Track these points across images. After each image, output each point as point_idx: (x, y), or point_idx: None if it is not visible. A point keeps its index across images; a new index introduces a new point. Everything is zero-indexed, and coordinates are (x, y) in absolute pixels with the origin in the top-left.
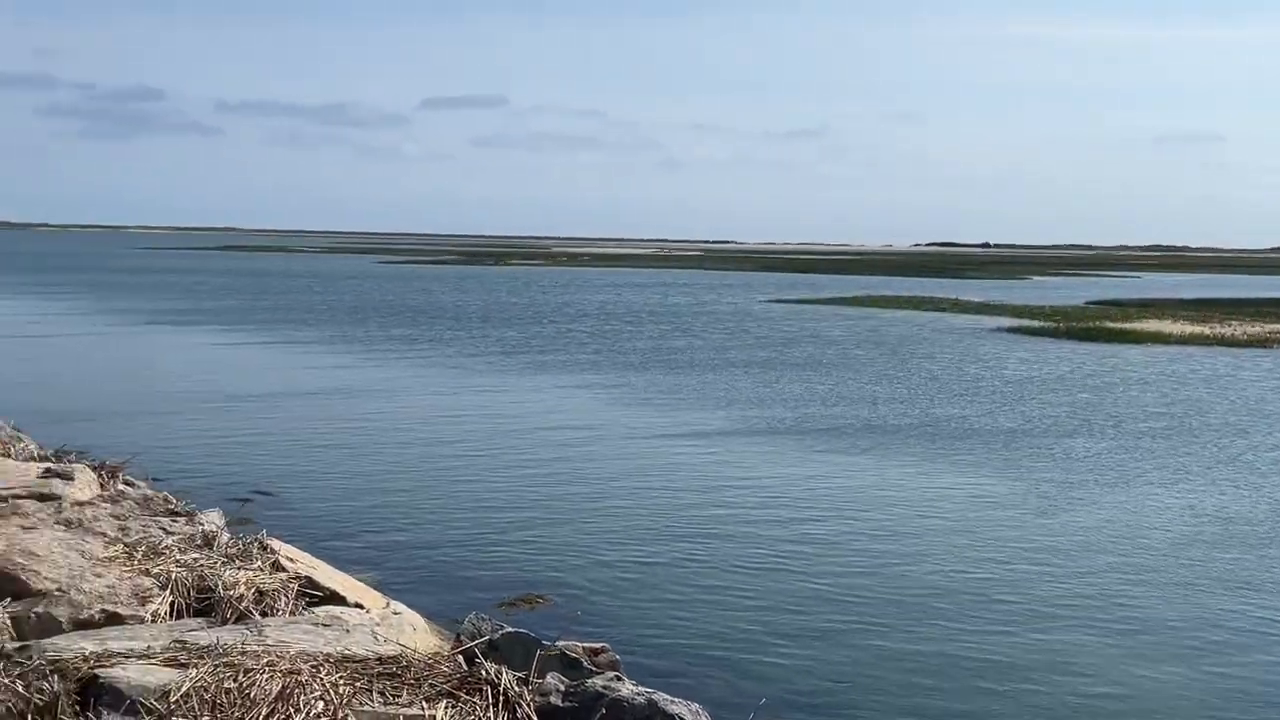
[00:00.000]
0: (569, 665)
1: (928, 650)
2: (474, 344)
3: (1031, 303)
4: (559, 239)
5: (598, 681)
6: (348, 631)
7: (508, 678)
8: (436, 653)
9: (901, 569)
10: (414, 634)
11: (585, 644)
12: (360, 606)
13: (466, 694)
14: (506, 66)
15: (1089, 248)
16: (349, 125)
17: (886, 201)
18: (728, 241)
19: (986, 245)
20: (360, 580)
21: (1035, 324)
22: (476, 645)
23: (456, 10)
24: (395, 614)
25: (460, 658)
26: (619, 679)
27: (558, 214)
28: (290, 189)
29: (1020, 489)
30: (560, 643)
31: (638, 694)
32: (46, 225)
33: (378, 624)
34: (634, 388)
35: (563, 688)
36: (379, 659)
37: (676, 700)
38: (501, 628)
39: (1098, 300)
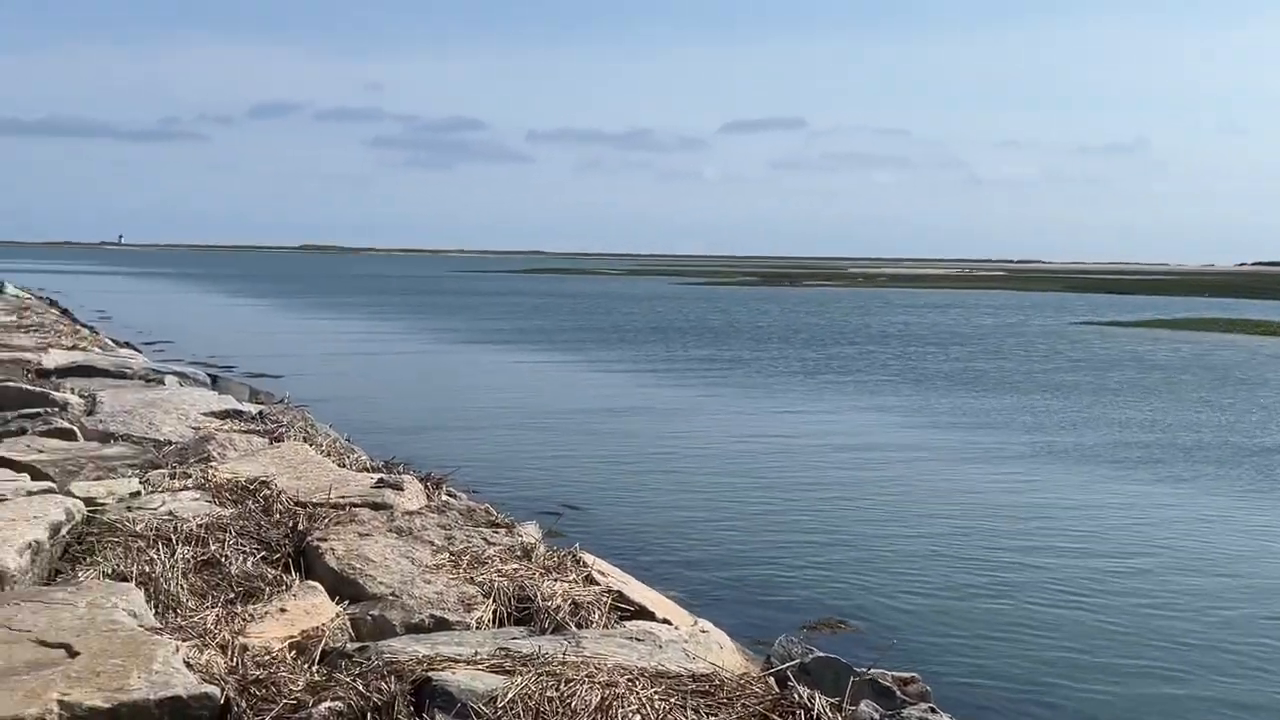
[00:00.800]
0: (881, 694)
1: (1267, 705)
2: (772, 364)
3: None
4: (856, 259)
5: (913, 712)
6: (660, 647)
7: (821, 702)
8: (746, 673)
9: (1232, 611)
10: (721, 653)
11: (894, 673)
12: (668, 623)
13: (779, 716)
14: (805, 88)
15: None
16: (650, 150)
17: (1207, 218)
18: (1034, 261)
19: None
20: (665, 597)
21: None
22: (788, 668)
23: (755, 35)
24: (703, 632)
25: (772, 679)
26: (934, 711)
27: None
28: (593, 213)
29: None
30: (872, 670)
31: None
32: (373, 249)
33: (687, 641)
34: (937, 410)
35: (877, 716)
36: (692, 676)
37: None
38: (812, 651)
39: None
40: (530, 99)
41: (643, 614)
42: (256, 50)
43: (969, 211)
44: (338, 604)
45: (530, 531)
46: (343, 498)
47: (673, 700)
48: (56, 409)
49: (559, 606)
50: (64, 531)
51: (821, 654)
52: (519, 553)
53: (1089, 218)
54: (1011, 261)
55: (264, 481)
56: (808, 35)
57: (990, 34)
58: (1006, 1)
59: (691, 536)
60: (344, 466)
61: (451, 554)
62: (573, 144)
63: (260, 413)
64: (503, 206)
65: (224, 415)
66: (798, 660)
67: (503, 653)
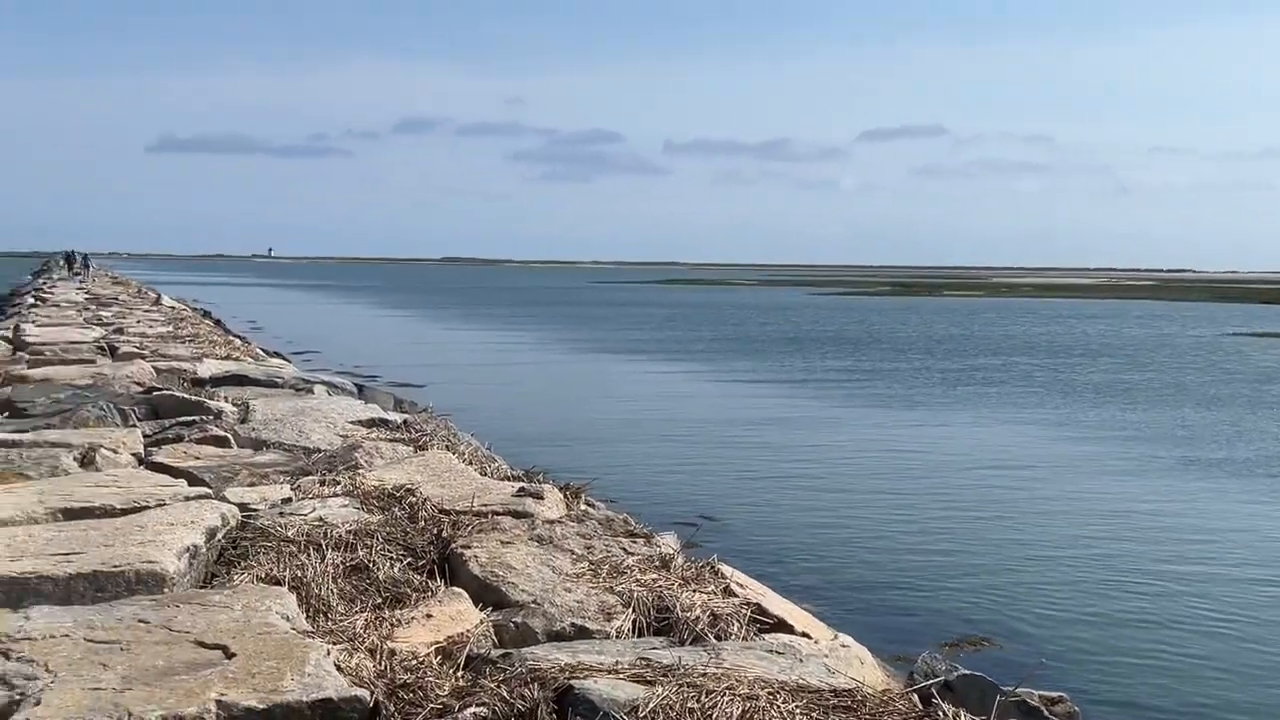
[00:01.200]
0: (1028, 713)
1: None
2: (913, 376)
3: None
4: (998, 269)
5: None
6: (800, 661)
7: None
8: (888, 689)
9: None
10: (862, 668)
11: (1041, 692)
12: (808, 636)
13: None
14: (946, 95)
15: None
16: (787, 160)
17: None
18: (1184, 270)
19: None
20: (803, 610)
21: None
22: (932, 685)
23: (893, 43)
24: (843, 646)
25: (915, 696)
26: None
27: (997, 243)
28: (729, 223)
29: None
30: (1019, 689)
31: None
32: (511, 261)
33: (827, 655)
34: (1085, 424)
35: None
36: (834, 691)
37: None
38: (956, 669)
39: None
40: (668, 111)
41: (782, 627)
42: (403, 67)
43: (1116, 219)
44: (481, 610)
45: (668, 542)
46: (485, 506)
47: (814, 715)
48: (211, 417)
49: (698, 617)
50: (219, 536)
51: (966, 671)
52: (657, 563)
53: (1242, 225)
54: (1161, 271)
55: (409, 489)
56: (947, 41)
57: (1137, 38)
58: (1152, 5)
59: (829, 550)
60: (485, 475)
61: (591, 563)
62: (709, 155)
63: (405, 421)
64: (639, 218)
65: (370, 424)
66: (942, 677)
67: (643, 662)
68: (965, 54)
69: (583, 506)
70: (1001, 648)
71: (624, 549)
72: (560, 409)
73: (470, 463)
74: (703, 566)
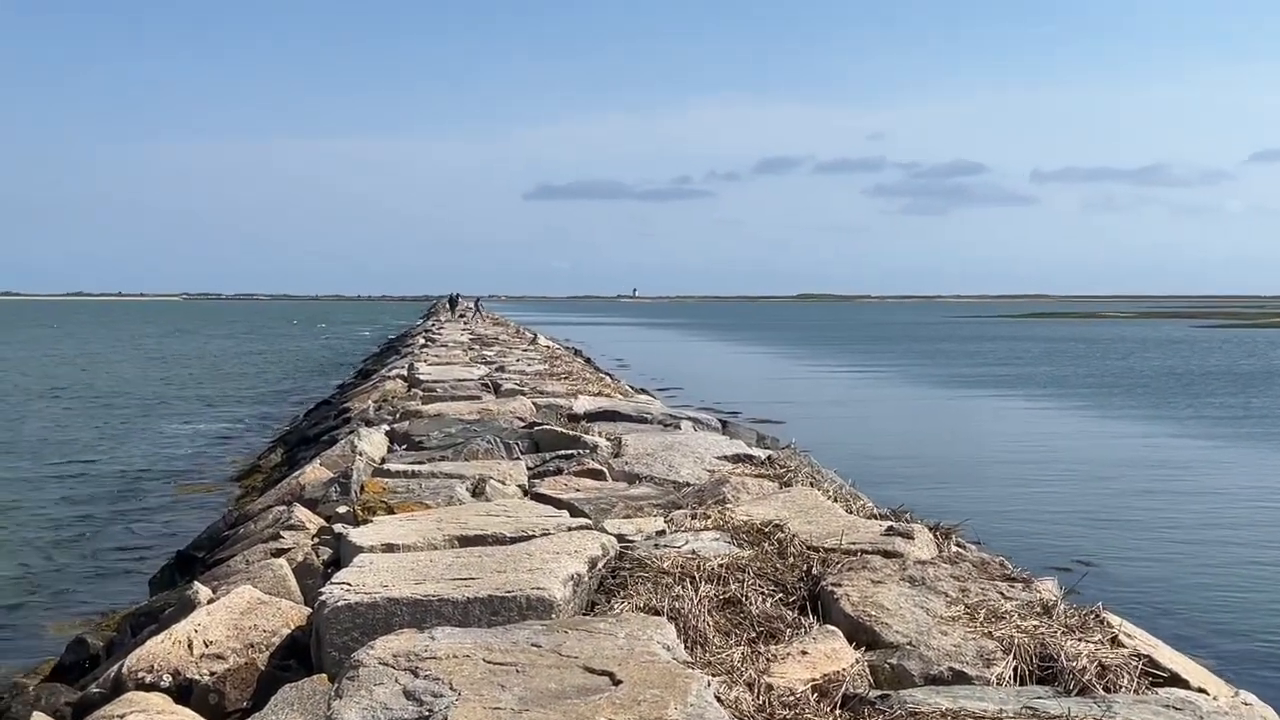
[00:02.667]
0: None
1: None
2: None
3: None
4: None
5: None
6: (1201, 718)
7: None
8: None
9: None
10: None
11: None
12: (1204, 692)
13: None
14: None
15: None
16: (1165, 185)
17: None
18: None
19: None
20: (1198, 663)
21: None
22: None
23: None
24: (1245, 704)
25: None
26: None
27: None
28: (1101, 253)
29: None
30: None
31: None
32: (867, 297)
33: (1228, 713)
34: None
35: None
36: None
37: None
38: None
39: None
40: (1034, 138)
41: (1175, 681)
42: (764, 109)
43: None
44: (855, 650)
45: (1048, 587)
46: (853, 544)
47: None
48: (587, 451)
49: (1084, 667)
50: (599, 565)
51: None
52: (1038, 609)
53: None
54: None
55: (777, 525)
56: None
57: None
58: None
59: (1221, 600)
60: (851, 512)
61: (967, 606)
62: (1079, 182)
63: (769, 457)
64: (1003, 250)
65: (736, 459)
66: None
67: (1029, 711)
68: None
69: (954, 548)
70: None
71: (1001, 593)
72: (924, 446)
73: (835, 499)
74: (1087, 614)
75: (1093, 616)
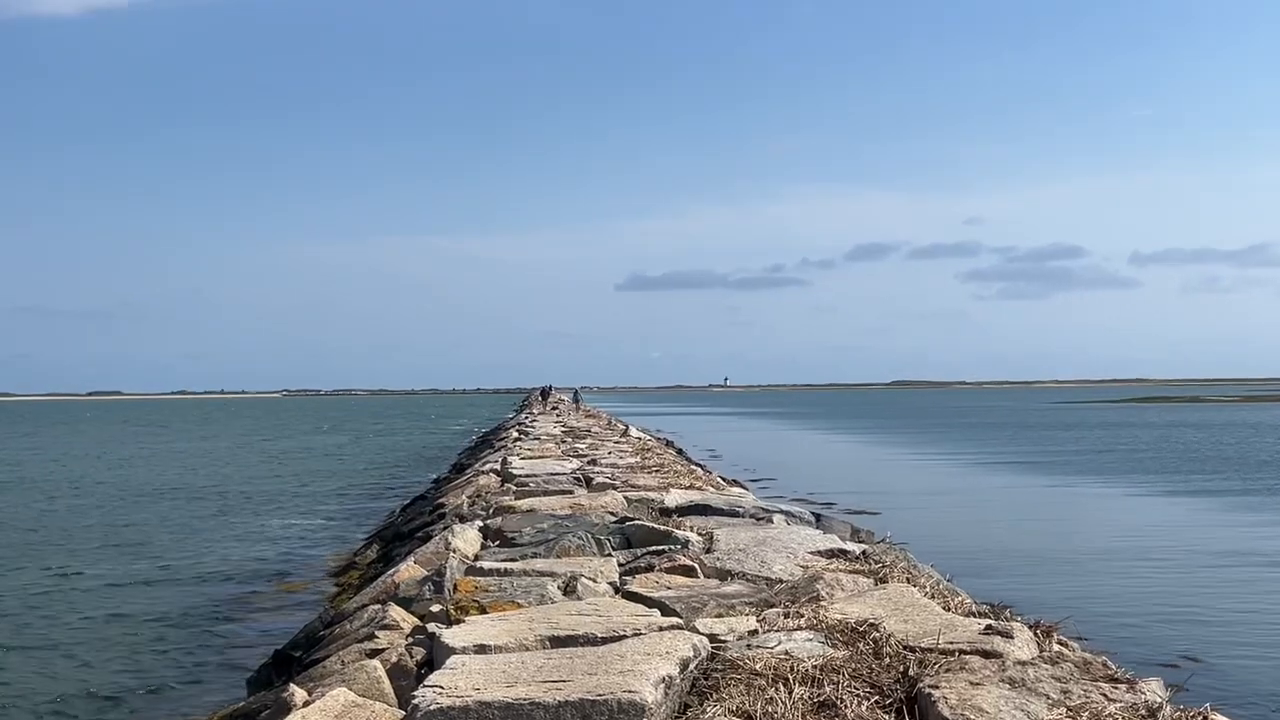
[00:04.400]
0: None
1: None
2: None
3: None
4: None
5: None
6: None
7: None
8: None
9: None
10: None
11: None
12: None
13: None
14: None
15: None
16: (1271, 265)
17: None
18: None
19: None
20: None
21: None
22: None
23: None
24: None
25: None
26: None
27: None
28: (1204, 336)
29: None
30: None
31: None
32: (963, 383)
33: None
34: None
35: None
36: None
37: None
38: None
39: None
40: (1134, 221)
41: None
42: (859, 197)
43: None
44: None
45: (1154, 688)
46: (951, 643)
47: None
48: (679, 546)
49: None
50: (691, 667)
51: None
52: (1143, 711)
53: None
54: None
55: (872, 624)
56: None
57: None
58: None
59: None
60: (948, 610)
61: (1069, 709)
62: (1181, 264)
63: (864, 552)
64: (1102, 334)
65: (829, 554)
66: None
67: None
68: None
69: (1055, 646)
70: None
71: (1104, 695)
72: (1023, 537)
73: (932, 596)
74: (1195, 716)
75: (1201, 719)
